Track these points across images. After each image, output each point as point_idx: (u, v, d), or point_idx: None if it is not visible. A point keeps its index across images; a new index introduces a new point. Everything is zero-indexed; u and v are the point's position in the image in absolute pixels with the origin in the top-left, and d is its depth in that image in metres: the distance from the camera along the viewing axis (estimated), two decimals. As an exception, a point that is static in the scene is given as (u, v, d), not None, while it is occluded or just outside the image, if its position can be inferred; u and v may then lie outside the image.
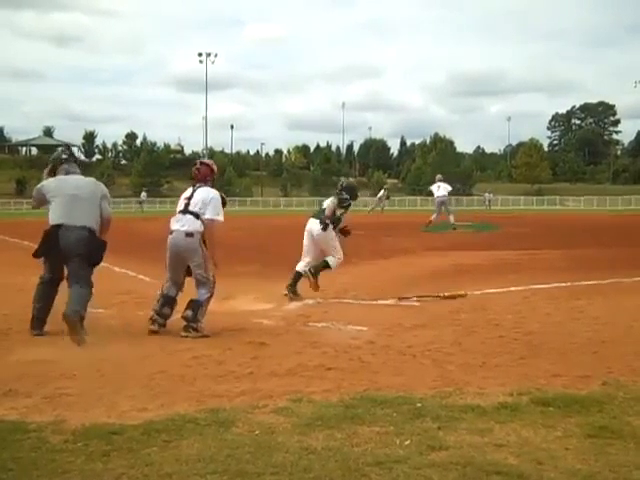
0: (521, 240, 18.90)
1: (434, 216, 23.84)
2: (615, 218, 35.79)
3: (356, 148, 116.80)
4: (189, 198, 6.96)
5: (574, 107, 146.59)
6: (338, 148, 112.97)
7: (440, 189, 23.72)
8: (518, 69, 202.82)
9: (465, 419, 4.04)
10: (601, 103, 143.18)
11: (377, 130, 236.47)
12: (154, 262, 9.68)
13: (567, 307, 7.90)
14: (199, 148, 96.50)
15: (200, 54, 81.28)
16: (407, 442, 3.66)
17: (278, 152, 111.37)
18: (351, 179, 49.13)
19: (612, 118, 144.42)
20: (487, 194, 62.56)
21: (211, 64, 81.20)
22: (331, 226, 8.91)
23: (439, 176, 24.81)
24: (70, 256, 6.41)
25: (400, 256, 14.46)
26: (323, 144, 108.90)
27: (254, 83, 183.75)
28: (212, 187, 7.07)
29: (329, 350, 5.87)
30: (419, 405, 4.28)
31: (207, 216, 6.80)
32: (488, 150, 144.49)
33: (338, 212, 8.99)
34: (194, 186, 7.08)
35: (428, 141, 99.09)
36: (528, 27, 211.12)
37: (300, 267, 8.94)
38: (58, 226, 6.47)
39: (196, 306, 6.66)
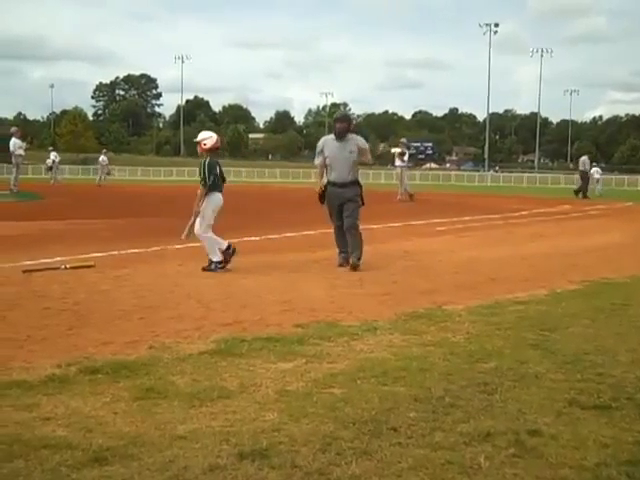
0: (65, 210, 18.52)
1: None
2: (156, 189, 37.25)
3: None
4: None
5: (118, 78, 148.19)
6: None
7: None
8: (60, 36, 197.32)
9: (11, 395, 3.87)
10: (143, 75, 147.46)
11: None
12: None
13: (113, 275, 8.01)
14: None
15: None
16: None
17: None
18: None
19: (154, 91, 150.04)
20: (53, 154, 57.73)
21: None
22: None
23: None
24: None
25: None
26: None
27: None
28: None
29: None
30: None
31: None
32: (30, 117, 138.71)
33: None
34: None
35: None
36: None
37: None
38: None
39: None
